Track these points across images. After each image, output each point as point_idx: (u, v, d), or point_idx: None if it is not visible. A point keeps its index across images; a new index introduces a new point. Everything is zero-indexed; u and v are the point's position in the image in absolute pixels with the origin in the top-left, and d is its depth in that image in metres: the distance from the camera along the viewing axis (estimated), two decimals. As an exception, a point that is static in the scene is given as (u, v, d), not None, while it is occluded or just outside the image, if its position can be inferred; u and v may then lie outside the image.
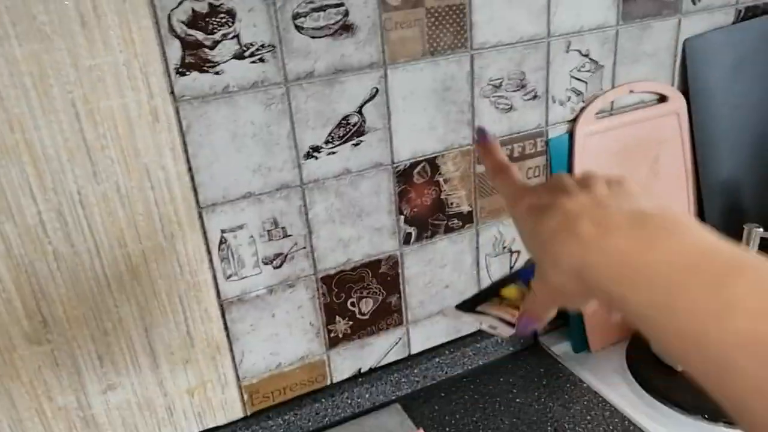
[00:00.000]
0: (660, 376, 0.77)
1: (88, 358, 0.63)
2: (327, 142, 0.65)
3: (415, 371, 0.80)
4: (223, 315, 0.67)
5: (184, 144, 0.59)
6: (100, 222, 0.59)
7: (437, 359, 0.82)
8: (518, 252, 0.83)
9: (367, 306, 0.76)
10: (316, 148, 0.65)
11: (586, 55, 0.77)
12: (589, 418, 0.74)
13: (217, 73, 0.58)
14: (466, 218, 0.77)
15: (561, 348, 0.87)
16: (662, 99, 0.84)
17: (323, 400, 0.76)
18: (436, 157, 0.72)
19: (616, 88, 0.81)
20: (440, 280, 0.79)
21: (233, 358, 0.70)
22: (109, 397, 0.65)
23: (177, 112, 0.58)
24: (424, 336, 0.81)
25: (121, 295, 0.62)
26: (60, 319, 0.60)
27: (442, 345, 0.83)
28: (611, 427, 0.73)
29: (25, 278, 0.58)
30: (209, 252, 0.64)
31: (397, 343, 0.80)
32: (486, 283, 0.82)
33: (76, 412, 0.64)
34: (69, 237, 0.58)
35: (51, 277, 0.58)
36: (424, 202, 0.74)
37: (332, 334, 0.75)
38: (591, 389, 0.79)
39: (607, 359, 0.84)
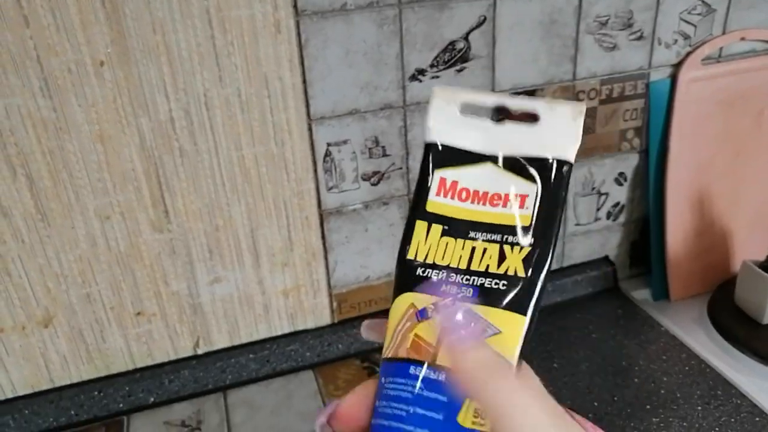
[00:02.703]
0: (743, 327, 0.77)
1: (200, 251, 0.69)
2: (432, 66, 0.68)
3: (493, 300, 0.84)
4: (321, 224, 0.72)
5: (301, 57, 0.63)
6: (220, 124, 0.64)
7: (515, 292, 0.84)
8: (606, 194, 0.84)
9: (454, 232, 0.79)
10: (421, 71, 0.68)
11: (700, -3, 0.75)
12: (664, 357, 0.76)
13: (336, -11, 0.62)
14: (559, 155, 0.78)
15: (641, 294, 0.87)
16: (776, 48, 0.81)
17: (405, 316, 0.80)
18: (535, 90, 0.74)
19: (726, 34, 0.78)
20: (526, 214, 0.81)
21: (327, 267, 0.75)
22: (215, 288, 0.72)
23: (297, 26, 0.62)
24: (504, 268, 0.84)
25: (233, 195, 0.68)
26: (180, 211, 0.67)
27: (522, 279, 0.85)
28: (687, 368, 0.74)
29: (154, 170, 0.64)
30: (315, 163, 0.69)
31: (478, 272, 0.83)
32: (572, 222, 0.84)
33: (186, 298, 0.71)
34: (193, 135, 0.64)
35: (175, 171, 0.65)
36: (519, 135, 0.75)
37: (418, 256, 0.79)
38: (668, 332, 0.80)
39: (688, 308, 0.84)
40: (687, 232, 0.84)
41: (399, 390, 0.26)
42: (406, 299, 0.27)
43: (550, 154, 0.26)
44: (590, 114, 0.77)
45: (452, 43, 0.68)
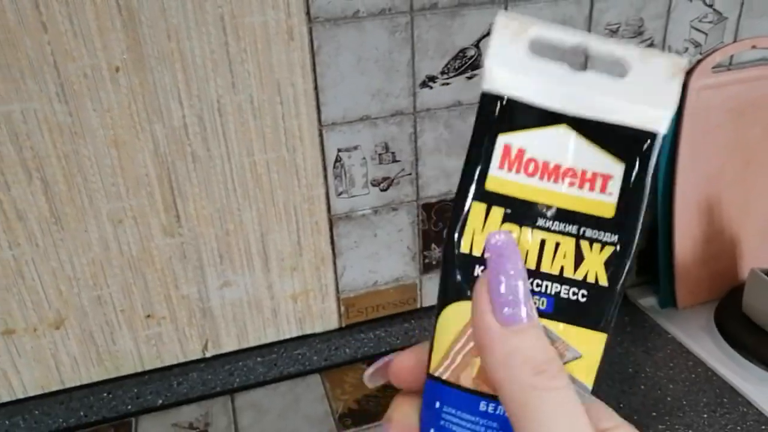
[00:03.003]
0: (750, 335, 0.77)
1: (210, 255, 0.70)
2: (443, 73, 0.68)
3: (501, 306, 0.84)
4: (331, 229, 0.73)
5: (314, 63, 0.64)
6: (233, 130, 0.64)
7: (523, 297, 0.85)
8: (615, 202, 0.84)
9: (462, 238, 0.79)
10: (432, 78, 0.68)
11: (711, 5, 0.76)
12: (671, 365, 0.76)
13: (349, -3, 0.62)
14: (568, 162, 0.79)
15: (648, 301, 0.88)
16: (786, 57, 0.81)
17: (412, 321, 0.81)
18: (545, 97, 0.74)
19: (737, 42, 0.78)
20: (535, 221, 0.81)
21: (335, 271, 0.76)
22: (225, 293, 0.72)
23: (310, 33, 0.62)
24: (512, 274, 0.84)
25: (245, 200, 0.68)
26: (191, 216, 0.67)
27: (529, 285, 0.86)
28: (694, 376, 0.74)
29: (166, 175, 0.64)
30: (325, 168, 0.69)
31: (486, 278, 0.83)
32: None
33: (196, 302, 0.72)
34: (206, 141, 0.64)
35: (188, 176, 0.65)
36: (528, 142, 0.76)
37: (426, 260, 0.79)
38: (675, 340, 0.80)
39: (695, 316, 0.84)
40: (695, 239, 0.84)
41: (465, 427, 0.22)
42: (464, 309, 0.21)
43: (640, 123, 0.20)
44: (600, 121, 0.78)
45: (463, 50, 0.68)
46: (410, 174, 0.73)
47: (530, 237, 0.21)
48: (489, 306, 0.20)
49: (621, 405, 0.71)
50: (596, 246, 0.21)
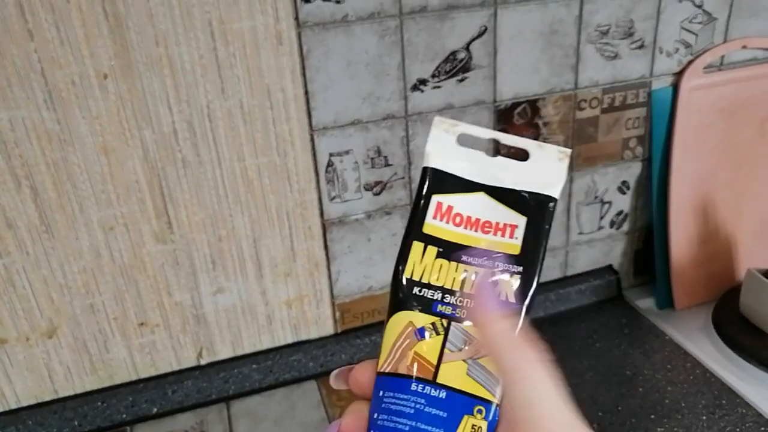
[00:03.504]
0: (748, 336, 0.77)
1: (203, 261, 0.70)
2: (433, 76, 0.68)
3: (497, 310, 0.83)
4: (324, 234, 0.73)
5: (303, 68, 0.64)
6: (223, 135, 0.64)
7: (519, 301, 0.84)
8: (609, 203, 0.84)
9: (456, 241, 0.79)
10: (423, 81, 0.68)
11: (700, 6, 0.76)
12: (669, 367, 0.75)
13: (338, 1, 0.62)
14: (561, 164, 0.79)
15: (645, 303, 0.87)
16: (778, 56, 0.81)
17: (408, 326, 0.80)
18: (537, 99, 0.74)
19: (728, 43, 0.78)
20: (529, 223, 0.81)
21: (330, 277, 0.75)
22: (218, 299, 0.72)
23: (299, 37, 0.62)
24: (508, 277, 0.84)
25: (236, 205, 0.68)
26: (183, 222, 0.67)
27: (525, 288, 0.85)
28: (692, 377, 0.74)
29: (157, 182, 0.64)
30: (317, 173, 0.69)
31: (481, 281, 0.83)
32: (575, 231, 0.84)
33: (189, 309, 0.72)
34: (196, 147, 0.64)
35: (178, 182, 0.65)
36: (521, 144, 0.76)
37: (421, 265, 0.79)
38: (673, 341, 0.80)
39: (692, 317, 0.84)
40: (691, 240, 0.84)
41: (400, 405, 0.27)
42: (403, 317, 0.28)
43: (538, 190, 0.28)
44: (592, 123, 0.78)
45: (453, 53, 0.68)
46: (403, 178, 0.73)
47: (456, 269, 0.28)
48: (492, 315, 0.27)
49: (619, 408, 0.70)
50: (505, 275, 0.28)
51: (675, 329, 0.82)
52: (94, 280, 0.66)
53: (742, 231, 0.86)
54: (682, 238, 0.83)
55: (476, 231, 0.28)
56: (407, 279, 0.28)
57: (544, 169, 0.28)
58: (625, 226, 0.86)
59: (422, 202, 0.29)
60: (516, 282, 0.28)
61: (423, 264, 0.28)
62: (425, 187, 0.29)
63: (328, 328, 0.79)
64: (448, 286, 0.28)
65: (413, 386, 0.27)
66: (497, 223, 0.28)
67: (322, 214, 0.71)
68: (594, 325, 0.84)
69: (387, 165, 0.71)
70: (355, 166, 0.70)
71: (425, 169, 0.29)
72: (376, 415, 0.28)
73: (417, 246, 0.29)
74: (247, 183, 0.67)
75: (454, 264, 0.28)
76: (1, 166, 0.59)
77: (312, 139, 0.67)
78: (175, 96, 0.61)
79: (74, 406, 0.70)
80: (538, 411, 0.25)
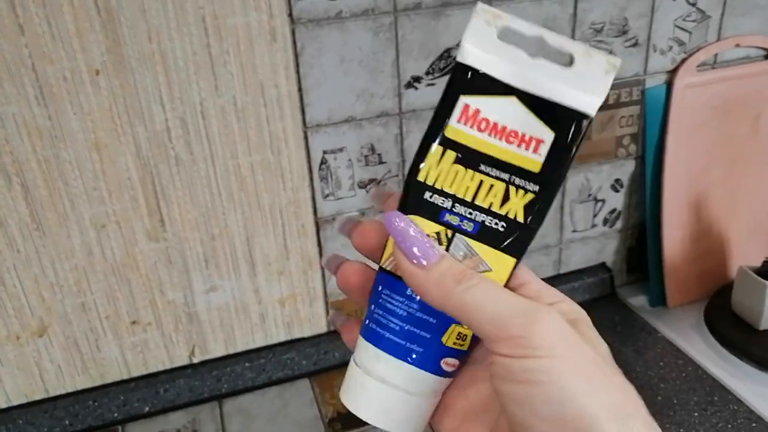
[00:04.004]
0: (740, 333, 0.77)
1: (196, 260, 0.69)
2: (427, 73, 0.68)
3: (491, 308, 0.83)
4: (318, 232, 0.72)
5: (297, 65, 0.63)
6: (216, 133, 0.64)
7: (512, 299, 0.84)
8: (603, 201, 0.84)
9: (450, 239, 0.79)
10: (417, 79, 0.68)
11: (694, 4, 0.76)
12: (661, 364, 0.76)
13: (332, -2, 0.62)
14: (555, 162, 0.79)
15: (638, 300, 0.87)
16: (770, 55, 0.82)
17: (402, 324, 0.80)
18: (531, 97, 0.74)
19: (721, 41, 0.79)
20: (523, 221, 0.81)
21: (323, 275, 0.75)
22: (211, 297, 0.72)
23: (293, 34, 0.62)
24: (501, 275, 0.84)
25: (230, 203, 0.67)
26: (176, 220, 0.66)
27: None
28: (684, 374, 0.74)
29: (150, 179, 0.64)
30: (310, 171, 0.69)
31: (475, 279, 0.83)
32: (568, 229, 0.84)
33: (182, 307, 0.71)
34: (189, 145, 0.63)
35: (171, 180, 0.64)
36: (515, 142, 0.76)
37: (415, 263, 0.78)
38: (665, 339, 0.80)
39: (685, 315, 0.84)
40: (684, 238, 0.84)
41: (395, 306, 0.29)
42: (412, 220, 0.28)
43: (574, 104, 0.26)
44: (586, 121, 0.78)
45: (448, 50, 0.68)
46: (397, 176, 0.72)
47: (472, 178, 0.27)
48: (409, 262, 0.27)
49: (612, 405, 0.71)
50: (521, 192, 0.27)
51: (667, 327, 0.82)
52: (85, 279, 0.66)
53: (735, 229, 0.87)
54: (674, 235, 0.83)
55: (500, 140, 0.27)
56: (419, 182, 0.28)
57: (587, 80, 0.26)
58: (619, 224, 0.87)
59: (449, 102, 0.27)
60: (528, 201, 0.27)
61: (439, 168, 0.27)
62: (454, 85, 0.27)
63: (321, 326, 0.78)
64: (460, 195, 0.27)
65: (408, 291, 0.28)
66: (523, 135, 0.26)
67: (315, 211, 0.71)
68: (587, 322, 0.84)
69: (381, 162, 0.71)
70: (349, 164, 0.70)
71: (458, 65, 0.27)
72: (372, 306, 0.30)
73: (436, 149, 0.27)
74: (241, 181, 0.67)
75: (470, 172, 0.27)
76: (-9, 162, 0.58)
77: (306, 137, 0.67)
78: (168, 93, 0.61)
79: (65, 405, 0.70)
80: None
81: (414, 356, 0.29)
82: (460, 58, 0.27)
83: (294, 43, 0.62)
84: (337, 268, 0.33)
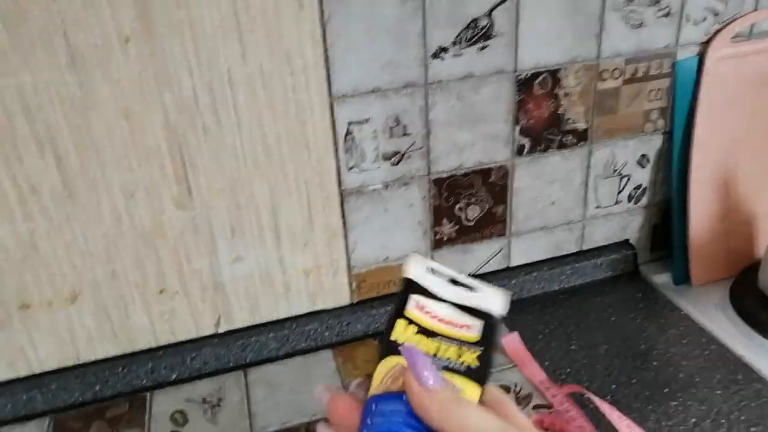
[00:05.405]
0: (766, 312, 0.76)
1: (222, 229, 0.70)
2: (454, 44, 0.67)
3: (513, 282, 0.83)
4: (342, 204, 0.72)
5: (324, 33, 0.63)
6: (243, 101, 0.64)
7: (535, 274, 0.84)
8: (628, 176, 0.83)
9: (474, 213, 0.79)
10: (444, 49, 0.67)
11: (728, -25, 0.74)
12: (684, 342, 0.75)
13: (359, -34, 0.61)
14: (581, 136, 0.78)
15: (661, 278, 0.87)
16: (806, 28, 0.79)
17: (424, 297, 0.80)
18: (558, 69, 0.73)
19: (758, 11, 0.77)
20: (548, 196, 0.80)
21: (347, 246, 0.75)
22: (237, 267, 0.73)
23: (320, 1, 0.62)
24: (525, 250, 0.84)
25: (256, 172, 0.68)
26: (202, 188, 0.67)
27: (542, 261, 0.85)
28: (707, 352, 0.73)
29: (177, 147, 0.64)
30: (335, 142, 0.69)
31: (497, 253, 0.82)
32: (592, 205, 0.83)
33: (208, 277, 0.72)
34: (216, 113, 0.64)
35: (198, 148, 0.65)
36: (541, 115, 0.75)
37: (437, 236, 0.79)
38: (689, 317, 0.79)
39: (709, 293, 0.83)
40: (710, 215, 0.83)
41: (393, 410, 0.33)
42: (392, 360, 0.35)
43: (487, 308, 0.37)
44: (613, 94, 0.77)
45: (475, 20, 0.67)
46: (422, 148, 0.72)
47: (431, 342, 0.36)
48: (417, 384, 0.33)
49: (633, 380, 0.71)
50: (470, 350, 0.36)
51: (691, 305, 0.82)
52: (115, 247, 0.67)
53: (764, 206, 0.85)
54: (701, 213, 0.82)
55: (446, 325, 0.37)
56: (392, 341, 0.36)
57: (488, 298, 0.38)
58: (644, 201, 0.86)
59: (405, 298, 0.37)
60: (476, 354, 0.36)
61: (406, 335, 0.36)
62: (406, 288, 0.38)
63: (344, 298, 0.79)
64: (425, 351, 0.35)
65: (405, 397, 0.33)
66: (461, 323, 0.37)
67: (340, 183, 0.71)
68: (609, 299, 0.84)
69: (406, 134, 0.71)
70: (374, 135, 0.70)
71: (408, 279, 0.38)
72: (369, 419, 0.34)
73: (401, 322, 0.36)
74: (267, 150, 0.67)
75: (429, 339, 0.36)
76: (26, 131, 0.59)
77: (331, 107, 0.67)
78: (196, 60, 0.61)
79: (96, 371, 0.71)
80: None
81: None
82: (408, 276, 0.38)
83: (321, 10, 0.62)
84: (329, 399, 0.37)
